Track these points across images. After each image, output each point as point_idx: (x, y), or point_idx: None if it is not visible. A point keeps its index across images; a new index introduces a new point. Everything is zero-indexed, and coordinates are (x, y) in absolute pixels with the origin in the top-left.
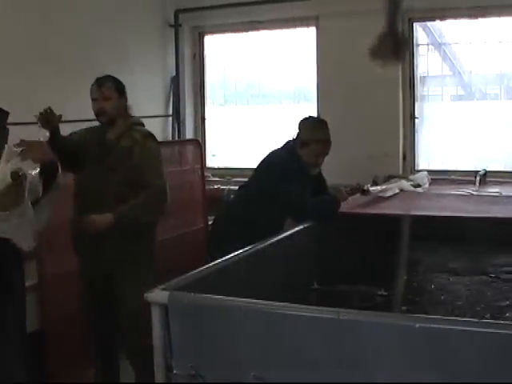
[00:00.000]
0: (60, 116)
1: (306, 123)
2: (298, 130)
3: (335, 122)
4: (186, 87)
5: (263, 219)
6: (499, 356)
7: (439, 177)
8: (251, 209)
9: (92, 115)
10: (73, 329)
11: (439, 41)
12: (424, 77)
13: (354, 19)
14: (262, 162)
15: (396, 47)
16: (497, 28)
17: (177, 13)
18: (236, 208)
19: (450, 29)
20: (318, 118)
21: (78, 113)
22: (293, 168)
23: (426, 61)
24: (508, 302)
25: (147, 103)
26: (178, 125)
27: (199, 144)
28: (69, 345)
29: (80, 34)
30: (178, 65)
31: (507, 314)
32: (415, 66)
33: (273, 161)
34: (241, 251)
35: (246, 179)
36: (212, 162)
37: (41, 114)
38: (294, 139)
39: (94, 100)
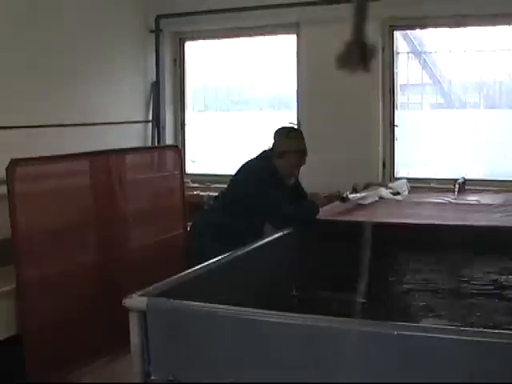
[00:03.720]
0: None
1: (281, 133)
2: (273, 140)
3: (315, 129)
4: (167, 93)
5: (241, 226)
6: (480, 364)
7: (418, 185)
8: (229, 216)
9: (67, 120)
10: (53, 333)
11: (419, 49)
12: (404, 85)
13: (335, 27)
14: (236, 173)
15: (363, 55)
16: (476, 37)
17: (158, 18)
18: (214, 214)
19: (430, 37)
20: (292, 127)
21: (55, 118)
22: (268, 179)
23: (406, 69)
24: (479, 314)
25: (127, 109)
26: (158, 130)
27: (179, 150)
28: (49, 349)
29: (58, 38)
30: (158, 70)
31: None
32: (395, 74)
33: (247, 173)
34: (220, 257)
35: (225, 185)
36: (192, 168)
37: None
38: (269, 149)
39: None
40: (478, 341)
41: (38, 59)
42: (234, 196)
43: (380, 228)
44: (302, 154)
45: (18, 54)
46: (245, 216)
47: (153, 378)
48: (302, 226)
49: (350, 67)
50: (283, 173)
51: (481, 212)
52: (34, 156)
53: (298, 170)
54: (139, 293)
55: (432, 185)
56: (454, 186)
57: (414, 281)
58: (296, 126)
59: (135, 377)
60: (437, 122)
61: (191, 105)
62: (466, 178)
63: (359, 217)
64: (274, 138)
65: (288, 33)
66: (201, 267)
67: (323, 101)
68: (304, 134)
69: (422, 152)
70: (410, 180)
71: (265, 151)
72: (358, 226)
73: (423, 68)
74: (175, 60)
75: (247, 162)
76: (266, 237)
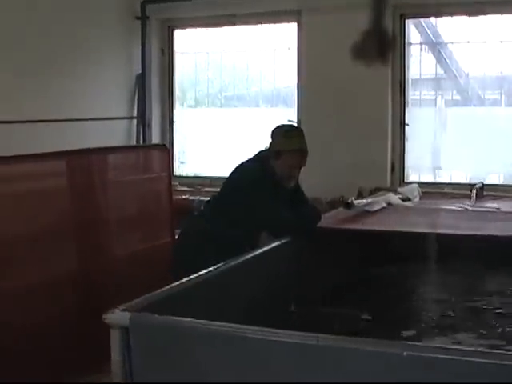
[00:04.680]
0: None
1: (279, 132)
2: (270, 140)
3: (317, 129)
4: (153, 86)
5: (235, 234)
6: None
7: (431, 190)
8: (221, 223)
9: (42, 115)
10: (26, 350)
11: (433, 40)
12: (416, 79)
13: (340, 14)
14: (230, 175)
15: (381, 46)
16: (497, 26)
17: (144, 4)
18: (204, 221)
19: (446, 27)
20: (292, 125)
21: (29, 113)
22: (265, 182)
23: (418, 62)
24: (499, 331)
25: (109, 103)
26: (144, 128)
27: (166, 149)
28: (21, 366)
29: (33, 25)
30: (144, 61)
31: (503, 343)
32: (406, 67)
33: (242, 175)
34: (210, 269)
35: (217, 189)
36: (180, 169)
37: None
38: (266, 149)
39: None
40: (498, 364)
41: (12, 49)
42: (227, 201)
43: (388, 238)
44: (301, 153)
45: None
46: (239, 223)
47: None
48: (302, 235)
49: (366, 59)
50: (281, 175)
51: (500, 221)
52: (5, 155)
53: (298, 172)
54: (121, 307)
55: (446, 190)
56: (471, 191)
57: (424, 295)
58: (296, 124)
59: None
60: (452, 120)
61: (180, 100)
62: (485, 182)
63: (365, 225)
64: (272, 137)
65: (288, 21)
66: (189, 279)
67: (326, 97)
68: (304, 132)
69: (435, 154)
70: (421, 185)
71: (261, 152)
72: (364, 235)
73: (438, 61)
74: (163, 50)
75: (242, 164)
76: (262, 246)
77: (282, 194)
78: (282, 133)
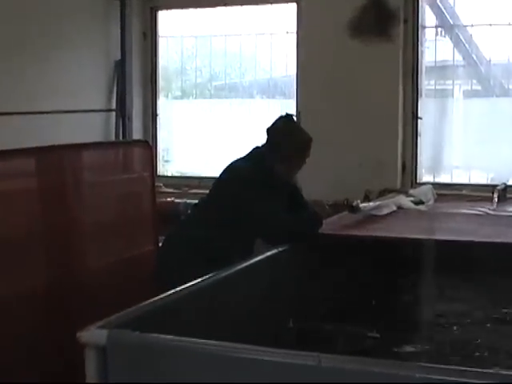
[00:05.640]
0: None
1: (281, 129)
2: (270, 138)
3: (319, 122)
4: (134, 75)
5: (226, 241)
6: None
7: (447, 192)
8: (211, 229)
9: (10, 107)
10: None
11: (451, 22)
12: (431, 67)
13: None
14: (221, 175)
15: (380, 21)
16: None
17: None
18: (192, 227)
19: (465, 7)
20: (286, 116)
21: (3, 103)
22: (260, 183)
23: (433, 47)
24: None
25: (85, 94)
26: (124, 122)
27: (149, 146)
28: None
29: (2, 7)
30: (123, 47)
31: None
32: (420, 53)
33: (235, 175)
34: (198, 281)
35: (206, 191)
36: (165, 168)
37: None
38: (262, 145)
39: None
40: None
41: None
42: (217, 204)
43: (398, 246)
44: (310, 148)
45: None
46: (231, 229)
47: None
48: (301, 243)
49: (364, 35)
50: (286, 175)
51: None
52: None
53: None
54: (98, 324)
55: (464, 192)
56: (493, 193)
57: (439, 310)
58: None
59: None
60: (471, 113)
61: (165, 90)
62: (508, 183)
63: (372, 231)
64: (272, 136)
65: (286, 1)
66: (175, 292)
67: (329, 87)
68: (305, 128)
69: (451, 151)
70: (436, 186)
71: (257, 149)
72: (371, 242)
73: (455, 45)
74: (145, 34)
75: (234, 163)
76: (257, 255)
77: (279, 197)
78: (282, 130)
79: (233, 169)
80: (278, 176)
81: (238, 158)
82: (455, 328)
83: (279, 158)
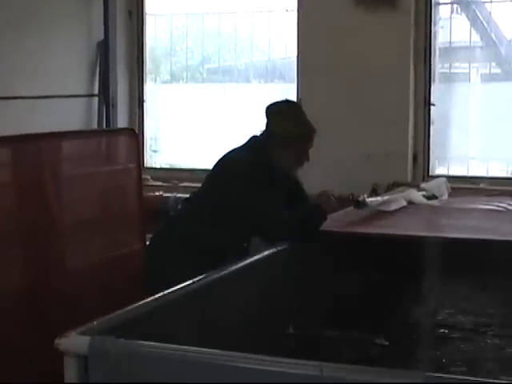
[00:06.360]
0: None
1: (280, 112)
2: (267, 122)
3: (321, 110)
4: (119, 57)
5: (220, 239)
6: None
7: (462, 185)
8: (203, 226)
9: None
10: None
11: None
12: (445, 48)
13: None
14: (216, 165)
15: None
16: None
17: None
18: (183, 224)
19: None
20: (291, 101)
21: None
22: (259, 176)
23: (448, 26)
24: None
25: (64, 77)
26: (107, 108)
27: (135, 135)
28: None
29: None
30: (107, 26)
31: None
32: (433, 33)
33: (230, 167)
34: (189, 282)
35: (198, 184)
36: (153, 159)
37: None
38: (261, 134)
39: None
40: None
41: None
42: (211, 199)
43: (409, 244)
44: (313, 135)
45: None
46: (225, 226)
47: None
48: (302, 240)
49: (368, 3)
50: (285, 166)
51: None
52: None
53: (308, 157)
54: (79, 330)
55: (482, 186)
56: None
57: (453, 315)
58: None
59: None
60: (490, 99)
61: (152, 74)
62: None
63: (380, 228)
64: (271, 119)
65: None
66: (164, 295)
67: (333, 70)
68: (306, 115)
69: (467, 141)
70: (450, 179)
71: (254, 138)
72: (379, 240)
73: (472, 24)
74: (130, 12)
75: (230, 153)
76: (254, 254)
77: (279, 192)
78: (285, 113)
79: (229, 160)
80: (278, 168)
81: (235, 147)
82: (469, 335)
83: (276, 141)
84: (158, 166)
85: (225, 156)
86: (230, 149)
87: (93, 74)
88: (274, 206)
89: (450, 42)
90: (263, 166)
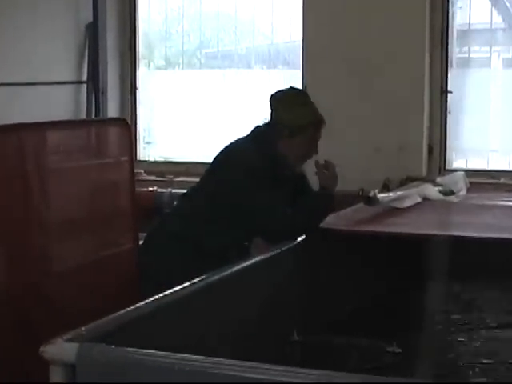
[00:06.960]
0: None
1: (287, 100)
2: (273, 112)
3: (328, 98)
4: (109, 41)
5: (220, 239)
6: None
7: (482, 180)
8: (201, 225)
9: None
10: None
11: None
12: (464, 31)
13: None
14: (216, 158)
15: None
16: None
17: None
18: (179, 222)
19: None
20: (295, 89)
21: None
22: (263, 169)
23: (467, 7)
24: None
25: (50, 63)
26: (97, 96)
27: (127, 125)
28: None
29: None
30: (96, 7)
31: None
32: (450, 14)
33: (232, 160)
34: (186, 284)
35: (196, 179)
36: (146, 152)
37: None
38: (265, 124)
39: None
40: None
41: None
42: (210, 195)
43: (424, 243)
44: (322, 125)
45: None
46: (226, 224)
47: None
48: (308, 238)
49: None
50: (293, 158)
51: None
52: None
53: (317, 149)
54: (66, 336)
55: (503, 180)
56: None
57: (470, 320)
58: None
59: None
60: None
61: (146, 59)
62: None
63: (393, 226)
64: (276, 108)
65: None
66: (158, 299)
67: (341, 55)
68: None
69: (487, 132)
70: (469, 173)
71: (258, 128)
72: (391, 240)
73: (494, 5)
74: None
75: (232, 144)
76: (256, 255)
77: (283, 187)
78: (291, 101)
79: (231, 152)
80: (284, 161)
81: (237, 138)
82: (485, 342)
83: (283, 132)
84: (151, 159)
85: (226, 148)
86: (231, 140)
87: (81, 59)
88: (276, 207)
89: (469, 23)
90: (268, 160)
